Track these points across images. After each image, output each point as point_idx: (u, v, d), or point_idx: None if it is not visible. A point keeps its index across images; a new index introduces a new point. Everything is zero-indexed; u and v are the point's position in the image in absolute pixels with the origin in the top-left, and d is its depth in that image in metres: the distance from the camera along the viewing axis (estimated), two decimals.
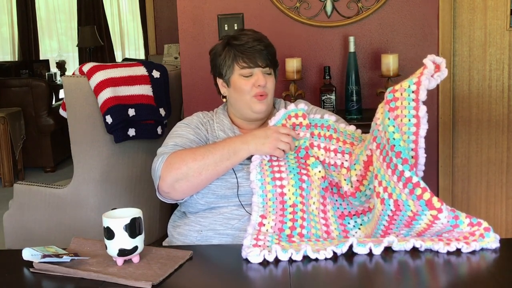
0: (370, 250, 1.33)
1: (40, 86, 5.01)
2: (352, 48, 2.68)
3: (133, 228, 1.29)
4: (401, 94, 1.44)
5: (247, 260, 1.33)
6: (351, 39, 2.68)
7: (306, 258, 1.33)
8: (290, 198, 1.55)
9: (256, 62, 1.74)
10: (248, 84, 1.75)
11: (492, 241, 1.35)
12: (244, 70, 1.75)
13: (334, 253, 1.33)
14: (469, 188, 2.98)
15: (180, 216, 1.76)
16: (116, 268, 1.30)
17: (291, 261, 1.32)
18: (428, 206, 1.34)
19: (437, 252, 1.33)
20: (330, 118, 1.72)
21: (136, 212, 1.34)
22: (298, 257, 1.32)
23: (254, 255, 1.32)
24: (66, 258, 1.32)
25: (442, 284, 1.23)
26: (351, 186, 1.58)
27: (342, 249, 1.33)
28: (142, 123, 2.69)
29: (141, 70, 2.74)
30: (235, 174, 1.65)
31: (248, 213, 1.61)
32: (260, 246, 1.38)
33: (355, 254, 1.34)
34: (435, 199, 1.35)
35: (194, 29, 2.95)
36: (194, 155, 1.61)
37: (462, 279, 1.26)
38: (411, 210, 1.36)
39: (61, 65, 7.32)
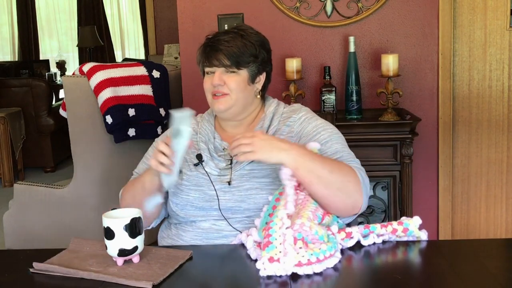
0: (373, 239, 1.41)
1: (40, 86, 5.01)
2: (352, 48, 2.68)
3: (133, 228, 1.29)
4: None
5: (247, 260, 1.33)
6: (351, 39, 2.69)
7: None
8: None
9: (211, 61, 1.64)
10: (208, 82, 1.66)
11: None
12: (206, 68, 1.67)
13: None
14: (469, 188, 2.98)
15: (166, 226, 1.72)
16: (116, 268, 1.30)
17: None
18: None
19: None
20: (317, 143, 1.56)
21: (136, 212, 1.34)
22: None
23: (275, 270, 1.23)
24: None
25: (445, 280, 1.23)
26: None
27: (348, 244, 1.39)
28: (142, 123, 2.69)
29: (141, 70, 2.74)
30: (213, 185, 1.58)
31: (232, 227, 1.54)
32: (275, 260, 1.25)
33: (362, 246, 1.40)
34: (330, 242, 1.33)
35: (194, 29, 2.95)
36: (130, 189, 1.72)
37: (462, 278, 1.26)
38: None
39: (61, 65, 7.33)
